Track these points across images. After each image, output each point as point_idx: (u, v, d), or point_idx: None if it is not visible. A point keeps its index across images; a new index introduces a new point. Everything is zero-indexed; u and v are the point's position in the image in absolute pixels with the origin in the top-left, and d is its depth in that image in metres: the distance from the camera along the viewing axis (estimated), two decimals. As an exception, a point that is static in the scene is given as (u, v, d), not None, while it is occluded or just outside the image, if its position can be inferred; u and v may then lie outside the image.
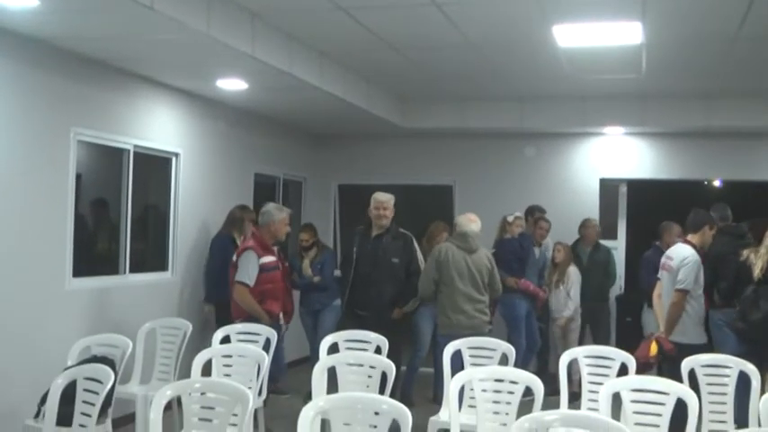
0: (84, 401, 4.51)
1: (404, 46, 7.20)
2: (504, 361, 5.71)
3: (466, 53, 7.39)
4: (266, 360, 5.46)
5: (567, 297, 8.66)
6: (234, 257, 6.85)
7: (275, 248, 6.99)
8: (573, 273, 8.72)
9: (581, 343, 8.30)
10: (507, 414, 4.73)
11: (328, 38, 7.04)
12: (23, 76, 6.09)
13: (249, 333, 6.29)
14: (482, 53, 7.38)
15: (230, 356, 5.68)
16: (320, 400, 4.05)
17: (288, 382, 8.49)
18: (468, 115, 9.99)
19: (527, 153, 10.50)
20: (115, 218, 7.45)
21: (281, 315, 6.92)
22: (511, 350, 5.75)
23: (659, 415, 4.48)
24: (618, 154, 10.38)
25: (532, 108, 9.81)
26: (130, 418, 6.29)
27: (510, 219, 8.75)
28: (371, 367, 5.30)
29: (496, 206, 9.18)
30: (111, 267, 7.33)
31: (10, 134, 5.98)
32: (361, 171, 10.91)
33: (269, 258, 6.74)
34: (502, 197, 9.92)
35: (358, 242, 7.32)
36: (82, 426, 4.46)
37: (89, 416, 4.43)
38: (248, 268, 6.64)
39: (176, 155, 8.08)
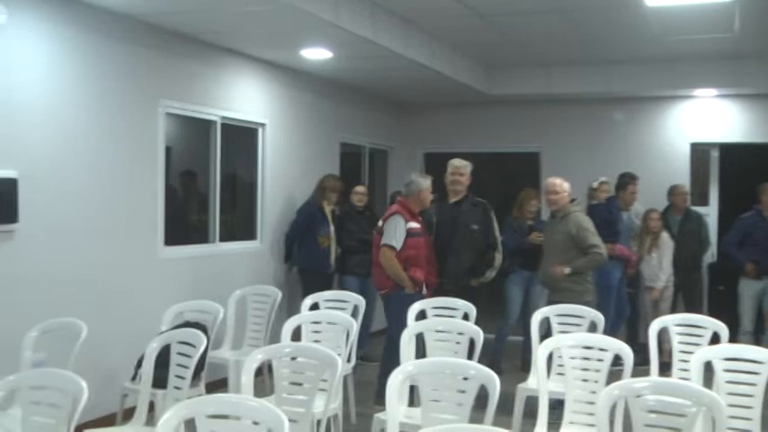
0: (178, 364, 4.65)
1: (489, 12, 7.11)
2: (592, 328, 5.65)
3: (552, 17, 7.26)
4: (355, 327, 5.51)
5: (660, 265, 8.48)
6: (379, 223, 6.81)
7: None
8: (665, 240, 8.52)
9: (673, 312, 8.14)
10: (596, 382, 4.67)
11: (412, 5, 7.00)
12: (113, 52, 6.23)
13: (337, 300, 6.36)
14: (569, 16, 7.24)
15: (319, 323, 5.75)
16: (408, 365, 4.09)
17: (376, 350, 8.56)
18: (555, 81, 9.84)
19: (615, 118, 10.29)
20: (204, 188, 7.60)
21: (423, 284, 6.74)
22: (599, 317, 5.67)
23: (754, 385, 4.36)
24: (709, 117, 10.07)
25: (621, 72, 9.59)
26: (223, 383, 6.45)
27: (595, 184, 8.60)
28: (459, 334, 5.30)
29: (584, 173, 9.03)
30: (201, 236, 7.51)
31: (101, 108, 6.14)
32: (447, 139, 10.87)
33: (414, 224, 6.68)
34: (589, 164, 9.76)
35: (436, 210, 7.23)
36: (177, 388, 4.59)
37: (183, 378, 4.55)
38: (395, 232, 6.59)
39: (263, 125, 8.18)
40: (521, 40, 8.30)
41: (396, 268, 6.56)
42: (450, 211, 7.15)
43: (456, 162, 7.22)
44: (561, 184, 6.73)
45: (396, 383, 3.89)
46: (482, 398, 3.81)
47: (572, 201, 6.78)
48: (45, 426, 3.58)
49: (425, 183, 6.85)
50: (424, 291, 6.72)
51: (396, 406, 3.88)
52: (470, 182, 7.21)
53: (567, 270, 6.51)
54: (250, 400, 3.11)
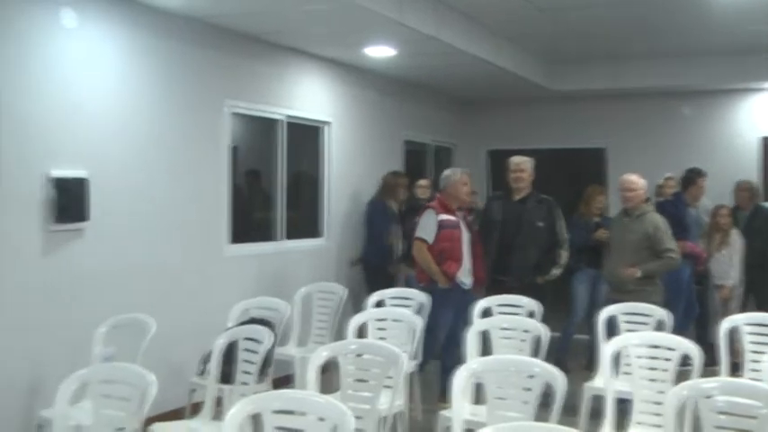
0: (245, 360, 4.70)
1: (552, 7, 7.05)
2: (659, 327, 5.54)
3: (617, 9, 7.15)
4: (420, 324, 5.51)
5: (730, 262, 8.29)
6: (417, 219, 6.87)
7: (462, 212, 6.91)
8: (736, 237, 8.32)
9: (743, 311, 7.95)
10: (664, 382, 4.58)
11: (476, 1, 6.97)
12: (180, 54, 6.34)
13: (403, 298, 6.36)
14: (634, 8, 7.13)
15: (384, 320, 5.76)
16: (474, 362, 4.07)
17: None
18: (622, 75, 9.69)
19: (683, 112, 10.10)
20: (269, 186, 7.68)
21: (462, 280, 6.70)
22: (667, 316, 5.57)
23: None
24: (781, 111, 9.85)
25: (690, 65, 9.43)
26: (289, 379, 6.50)
27: (661, 181, 8.46)
28: (525, 331, 5.25)
29: (651, 169, 8.85)
30: (266, 234, 7.58)
31: (169, 109, 6.25)
32: (512, 136, 10.80)
33: (447, 216, 6.68)
34: (656, 159, 9.60)
35: (501, 207, 7.16)
36: (243, 383, 4.65)
37: (249, 374, 4.61)
38: (427, 225, 6.67)
39: (327, 124, 8.23)
40: (586, 34, 8.21)
41: (427, 261, 6.61)
42: (514, 209, 7.07)
43: (516, 159, 7.15)
44: (637, 181, 6.58)
45: (460, 381, 3.87)
46: (547, 396, 3.78)
47: (646, 200, 6.63)
48: (115, 418, 3.66)
49: (454, 176, 6.87)
50: (466, 285, 6.71)
51: (461, 403, 3.87)
52: (533, 178, 7.13)
53: (639, 273, 6.39)
54: (316, 397, 3.13)
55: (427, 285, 6.62)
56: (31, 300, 5.23)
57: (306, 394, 3.30)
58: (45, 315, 5.31)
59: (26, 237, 5.21)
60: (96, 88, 5.66)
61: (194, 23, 6.37)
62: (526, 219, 6.97)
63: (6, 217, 5.07)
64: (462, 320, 6.04)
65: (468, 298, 6.44)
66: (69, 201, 5.37)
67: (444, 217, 6.66)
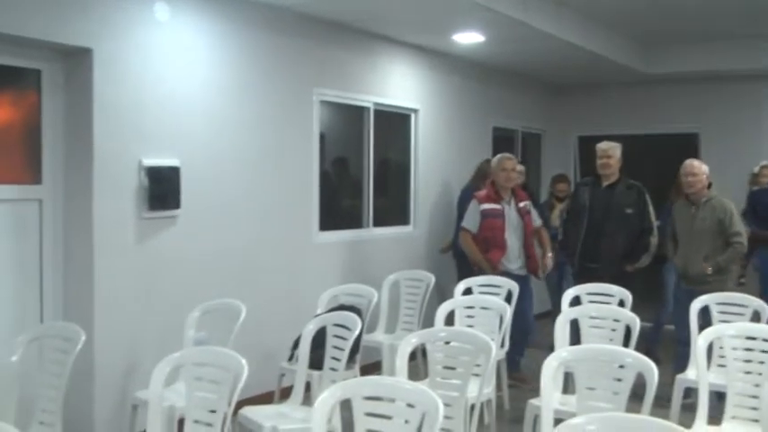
0: (334, 346, 4.74)
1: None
2: (755, 318, 5.38)
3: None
4: (509, 312, 5.47)
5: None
6: None
7: (515, 199, 6.93)
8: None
9: None
10: (761, 374, 4.44)
11: (564, -17, 6.86)
12: (269, 43, 6.41)
13: (491, 285, 6.32)
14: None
15: (472, 308, 5.73)
16: (564, 351, 4.02)
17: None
18: (718, 57, 9.37)
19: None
20: (357, 174, 7.72)
21: (509, 266, 6.78)
22: (764, 307, 5.40)
23: None
24: None
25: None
26: (377, 366, 6.54)
27: (756, 169, 8.19)
28: (615, 320, 5.17)
29: (746, 155, 8.63)
30: (354, 221, 7.63)
31: (259, 98, 6.33)
32: (602, 121, 10.60)
33: (490, 205, 6.79)
34: (752, 146, 9.32)
35: (589, 193, 7.06)
36: (332, 369, 4.69)
37: (338, 360, 4.64)
38: (470, 215, 6.85)
39: (415, 111, 8.22)
40: (680, 15, 7.96)
41: (472, 251, 6.82)
42: (603, 195, 6.95)
43: (602, 145, 7.03)
44: (700, 167, 6.42)
45: (550, 370, 3.83)
46: (637, 387, 3.71)
47: (709, 186, 6.45)
48: (207, 400, 3.73)
49: (494, 163, 6.99)
50: (515, 271, 6.78)
51: (550, 393, 3.82)
52: (621, 164, 7.00)
53: (710, 270, 6.24)
54: (406, 384, 3.14)
55: (476, 272, 6.73)
56: (125, 285, 5.38)
57: (395, 381, 3.31)
58: (139, 300, 5.46)
59: (121, 224, 5.35)
60: (188, 79, 5.77)
61: (283, 12, 6.43)
62: (614, 205, 6.86)
63: (102, 205, 5.21)
64: (521, 305, 6.27)
65: (523, 283, 6.57)
66: (162, 189, 5.50)
67: (487, 206, 6.80)
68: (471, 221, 6.82)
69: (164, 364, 3.77)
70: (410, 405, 3.06)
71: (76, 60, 5.21)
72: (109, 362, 5.29)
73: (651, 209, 6.97)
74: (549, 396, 3.81)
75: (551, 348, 5.18)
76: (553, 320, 5.25)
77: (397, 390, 3.12)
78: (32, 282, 5.22)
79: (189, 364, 3.85)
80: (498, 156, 7.10)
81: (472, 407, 4.40)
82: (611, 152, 6.93)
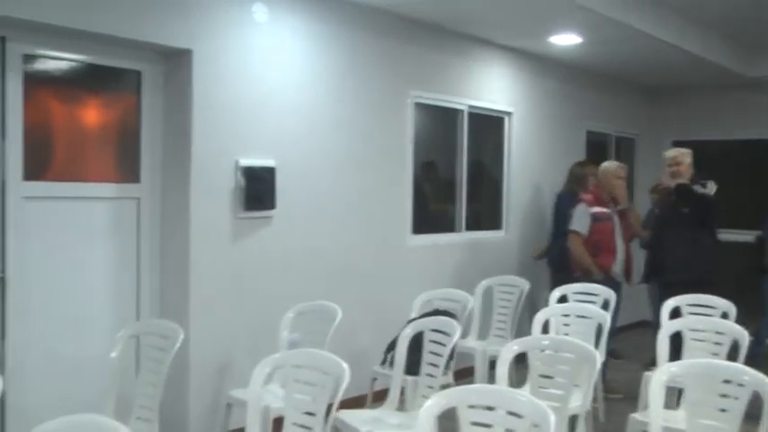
0: (431, 352, 4.66)
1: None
2: None
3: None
4: (608, 321, 5.31)
5: None
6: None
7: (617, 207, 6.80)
8: None
9: None
10: None
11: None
12: (365, 44, 6.38)
13: (587, 293, 6.15)
14: None
15: (568, 315, 5.59)
16: (672, 365, 3.86)
17: (623, 346, 8.26)
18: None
19: None
20: (449, 177, 7.63)
21: (616, 271, 6.69)
22: None
23: None
24: None
25: None
26: (468, 372, 6.44)
27: None
28: (718, 333, 4.97)
29: None
30: (447, 225, 7.54)
31: (354, 100, 6.31)
32: (698, 126, 10.29)
33: (599, 209, 6.68)
34: None
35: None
36: (429, 375, 4.61)
37: (436, 366, 4.56)
38: (580, 218, 6.71)
39: (509, 114, 8.10)
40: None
41: (581, 252, 6.66)
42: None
43: (670, 152, 6.93)
44: None
45: (658, 384, 3.68)
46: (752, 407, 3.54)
47: None
48: (304, 402, 3.70)
49: (605, 169, 6.86)
50: (619, 277, 6.70)
51: (658, 408, 3.67)
52: (692, 170, 6.80)
53: None
54: (518, 394, 3.04)
55: (582, 276, 6.58)
56: (220, 284, 5.40)
57: (505, 390, 3.21)
58: (233, 299, 5.48)
59: (217, 223, 5.38)
60: (284, 80, 5.77)
61: (379, 14, 6.40)
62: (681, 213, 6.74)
63: (199, 204, 5.25)
64: (616, 312, 6.11)
65: (617, 290, 6.40)
66: (258, 189, 5.52)
67: (597, 210, 6.67)
68: (581, 224, 6.68)
69: (263, 364, 3.75)
70: (518, 415, 2.97)
71: (176, 61, 5.27)
72: (204, 360, 5.33)
73: (713, 217, 6.76)
74: (657, 412, 3.66)
75: (653, 362, 5.03)
76: (648, 332, 5.08)
77: (506, 399, 3.03)
78: (130, 279, 5.29)
79: (288, 365, 3.83)
80: (611, 163, 7.02)
81: (572, 418, 4.28)
82: (680, 159, 6.79)
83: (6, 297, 4.63)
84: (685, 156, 6.77)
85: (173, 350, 4.17)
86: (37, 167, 4.80)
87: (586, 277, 6.49)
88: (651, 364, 5.52)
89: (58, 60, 4.93)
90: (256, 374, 3.73)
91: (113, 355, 4.37)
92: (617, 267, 6.70)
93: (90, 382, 4.83)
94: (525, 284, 6.62)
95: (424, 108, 7.10)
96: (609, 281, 6.44)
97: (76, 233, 5.00)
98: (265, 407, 4.30)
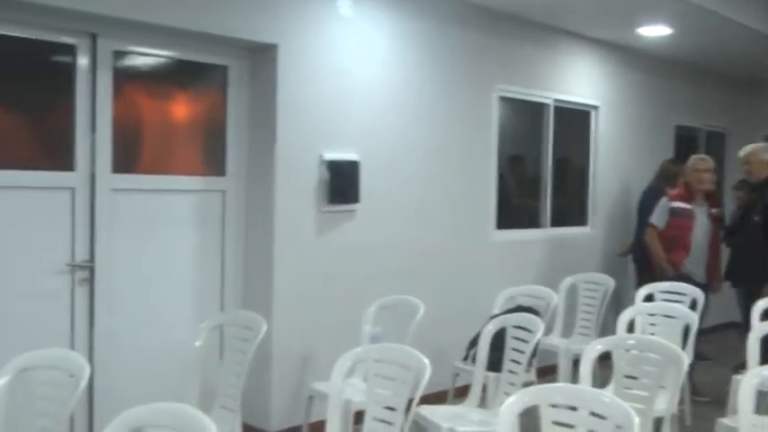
0: (514, 349, 4.61)
1: None
2: None
3: None
4: (695, 321, 5.17)
5: None
6: None
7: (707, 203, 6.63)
8: None
9: None
10: None
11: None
12: (449, 38, 6.34)
13: (674, 293, 6.00)
14: None
15: (654, 315, 5.46)
16: (764, 369, 3.72)
17: (708, 347, 8.04)
18: None
19: None
20: (535, 172, 7.54)
21: (691, 270, 6.50)
22: None
23: None
24: None
25: None
26: (551, 370, 6.35)
27: None
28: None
29: None
30: (531, 221, 7.46)
31: (438, 94, 6.29)
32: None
33: (680, 204, 6.54)
34: None
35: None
36: (511, 372, 4.56)
37: (518, 363, 4.51)
38: (659, 211, 6.64)
39: (595, 108, 7.95)
40: None
41: (655, 247, 6.60)
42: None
43: (741, 152, 6.63)
44: None
45: (749, 388, 3.56)
46: None
47: None
48: (385, 397, 3.70)
49: (695, 163, 6.68)
50: (697, 277, 6.45)
51: (748, 413, 3.55)
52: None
53: None
54: (602, 394, 2.97)
55: (657, 273, 6.47)
56: (303, 277, 5.45)
57: (588, 390, 3.14)
58: (316, 292, 5.52)
59: (301, 217, 5.42)
60: (368, 74, 5.78)
61: (463, 6, 6.35)
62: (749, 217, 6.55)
63: (283, 197, 5.30)
64: (702, 313, 5.81)
65: (703, 290, 6.11)
66: (342, 183, 5.54)
67: (677, 205, 6.54)
68: (659, 217, 6.61)
69: (345, 357, 3.76)
70: (601, 416, 2.90)
71: (262, 56, 5.32)
72: (286, 352, 5.38)
73: None
74: (747, 417, 3.53)
75: (743, 365, 4.87)
76: (734, 334, 4.93)
77: (589, 399, 2.96)
78: (215, 270, 5.37)
79: (370, 359, 3.82)
80: (692, 156, 6.83)
81: (657, 421, 4.18)
82: (748, 158, 6.55)
83: (95, 286, 4.76)
84: (756, 153, 6.54)
85: (256, 341, 4.21)
86: (125, 160, 4.91)
87: (664, 275, 6.36)
88: (741, 367, 5.35)
89: (146, 56, 5.04)
90: (338, 368, 3.74)
91: (198, 344, 4.44)
92: (693, 267, 6.51)
93: (174, 370, 4.93)
94: (610, 282, 6.49)
95: (508, 102, 7.02)
96: (689, 280, 6.24)
97: (163, 225, 5.10)
98: (346, 400, 4.31)
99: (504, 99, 6.91)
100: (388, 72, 5.92)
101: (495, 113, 6.78)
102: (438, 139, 6.29)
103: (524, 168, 7.66)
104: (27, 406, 3.39)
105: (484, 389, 4.75)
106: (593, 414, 2.95)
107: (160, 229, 5.09)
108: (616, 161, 8.21)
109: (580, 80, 7.73)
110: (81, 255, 4.71)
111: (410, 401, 3.53)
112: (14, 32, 4.41)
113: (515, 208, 7.46)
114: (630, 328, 5.26)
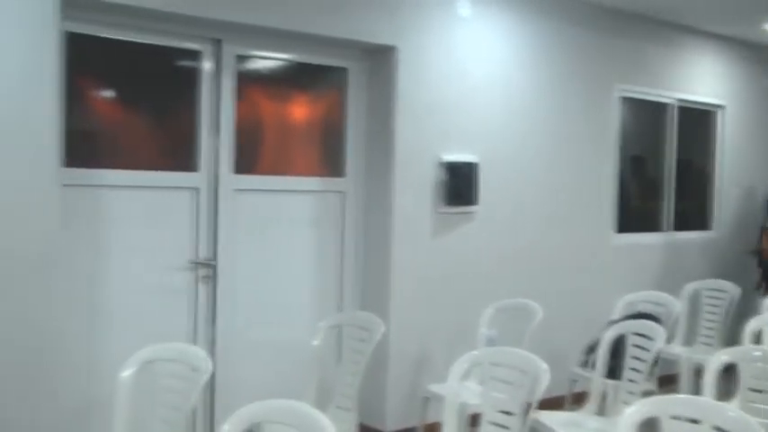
0: (634, 357, 4.50)
1: None
2: None
3: None
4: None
5: None
6: None
7: None
8: None
9: None
10: None
11: None
12: (569, 37, 6.25)
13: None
14: None
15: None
16: None
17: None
18: None
19: None
20: (656, 174, 7.35)
21: None
22: None
23: None
24: None
25: None
26: (671, 380, 6.17)
27: None
28: None
29: None
30: (653, 224, 7.27)
31: (557, 95, 6.21)
32: None
33: None
34: None
35: None
36: (631, 380, 4.45)
37: (639, 372, 4.40)
38: None
39: (721, 108, 7.68)
40: None
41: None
42: None
43: None
44: None
45: None
46: None
47: None
48: (501, 401, 3.67)
49: None
50: None
51: None
52: None
53: None
54: (727, 409, 2.87)
55: None
56: (420, 278, 5.46)
57: (713, 403, 3.03)
58: (433, 293, 5.53)
59: (418, 218, 5.44)
60: (487, 75, 5.75)
61: (582, 5, 6.25)
62: None
63: (401, 198, 5.33)
64: None
65: None
66: (460, 185, 5.54)
67: None
68: None
69: (462, 360, 3.75)
70: (723, 430, 2.80)
71: (381, 58, 5.36)
72: (402, 352, 5.40)
73: None
74: None
75: None
76: None
77: (713, 413, 2.86)
78: (333, 270, 5.44)
79: (486, 363, 3.80)
80: None
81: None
82: None
83: (217, 284, 4.89)
84: None
85: (373, 342, 4.25)
86: (247, 161, 5.03)
87: None
88: None
89: (267, 60, 5.15)
90: (454, 370, 3.73)
91: (315, 343, 4.50)
92: None
93: (292, 367, 5.01)
94: (736, 290, 6.25)
95: (630, 102, 6.86)
96: None
97: (283, 225, 5.20)
98: (462, 403, 4.29)
99: (625, 99, 6.76)
100: (507, 73, 5.88)
101: (615, 114, 6.64)
102: (556, 141, 6.21)
103: (645, 170, 7.47)
104: (152, 397, 3.51)
105: (602, 396, 4.65)
106: (717, 429, 2.85)
107: (280, 228, 5.19)
108: (743, 163, 7.92)
109: (705, 79, 7.48)
110: (204, 253, 4.85)
111: (528, 406, 3.49)
112: (144, 40, 4.58)
113: (636, 211, 7.28)
114: (757, 338, 5.06)
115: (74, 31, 4.29)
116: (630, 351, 4.54)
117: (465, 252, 5.68)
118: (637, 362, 4.45)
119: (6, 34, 3.80)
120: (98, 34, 4.42)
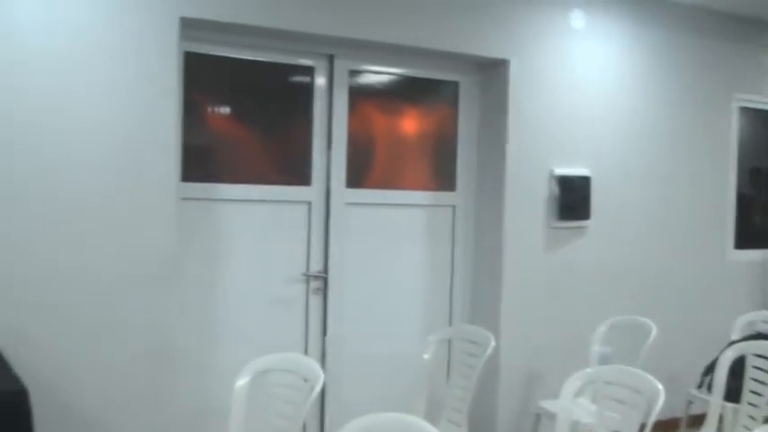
0: (753, 379, 4.34)
1: None
2: None
3: None
4: None
5: None
6: None
7: None
8: None
9: None
10: None
11: None
12: (681, 44, 6.08)
13: None
14: None
15: None
16: None
17: None
18: None
19: None
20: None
21: None
22: None
23: None
24: None
25: None
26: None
27: None
28: None
29: None
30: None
31: (672, 105, 6.04)
32: None
33: None
34: None
35: None
36: (752, 404, 4.29)
37: (760, 395, 4.24)
38: None
39: None
40: None
41: None
42: None
43: None
44: None
45: None
46: None
47: None
48: (615, 420, 3.59)
49: None
50: None
51: None
52: None
53: None
54: None
55: None
56: (532, 293, 5.41)
57: None
58: (544, 309, 5.47)
59: (530, 232, 5.39)
60: (600, 87, 5.66)
61: (697, 12, 6.08)
62: None
63: (512, 212, 5.30)
64: None
65: None
66: (573, 199, 5.46)
67: None
68: None
69: (575, 378, 3.69)
70: None
71: (493, 71, 5.35)
72: (513, 368, 5.36)
73: None
74: None
75: None
76: None
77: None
78: (444, 284, 5.45)
79: (600, 381, 3.73)
80: None
81: None
82: None
83: (328, 296, 4.95)
84: None
85: (484, 356, 4.22)
86: (359, 175, 5.09)
87: None
88: None
89: (379, 74, 5.20)
90: (567, 387, 3.67)
91: (426, 357, 4.50)
92: None
93: (402, 381, 5.02)
94: None
95: (749, 112, 6.63)
96: None
97: (394, 238, 5.24)
98: (574, 421, 4.22)
99: (744, 109, 6.54)
100: (621, 84, 5.77)
101: (733, 124, 6.43)
102: (671, 154, 6.05)
103: (764, 182, 7.19)
104: (265, 406, 3.58)
105: (721, 420, 4.50)
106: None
107: (390, 242, 5.23)
108: None
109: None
110: (316, 265, 4.93)
111: (642, 427, 3.41)
112: (258, 57, 4.69)
113: (757, 226, 7.02)
114: None
115: (192, 50, 4.43)
116: (751, 373, 4.38)
117: (577, 267, 5.60)
118: (758, 385, 4.29)
119: (133, 58, 3.96)
120: (215, 53, 4.56)
